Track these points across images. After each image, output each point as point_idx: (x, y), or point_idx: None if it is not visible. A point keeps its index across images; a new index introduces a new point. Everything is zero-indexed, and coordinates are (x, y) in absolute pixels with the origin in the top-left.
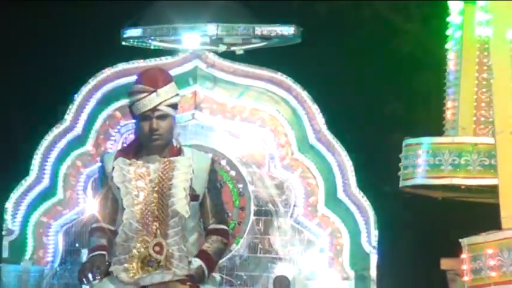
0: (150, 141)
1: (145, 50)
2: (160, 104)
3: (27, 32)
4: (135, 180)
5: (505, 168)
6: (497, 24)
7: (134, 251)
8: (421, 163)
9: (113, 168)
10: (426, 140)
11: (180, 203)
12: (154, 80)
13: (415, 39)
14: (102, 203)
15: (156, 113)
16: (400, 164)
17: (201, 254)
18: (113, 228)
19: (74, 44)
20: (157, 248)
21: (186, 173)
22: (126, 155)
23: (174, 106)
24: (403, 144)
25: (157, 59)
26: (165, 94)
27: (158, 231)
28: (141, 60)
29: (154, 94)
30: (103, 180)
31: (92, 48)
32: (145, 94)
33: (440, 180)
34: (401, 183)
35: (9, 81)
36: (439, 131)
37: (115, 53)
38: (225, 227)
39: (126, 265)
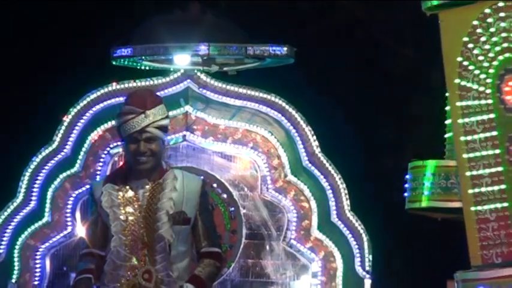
0: (137, 164)
1: (136, 71)
2: (148, 125)
3: (16, 52)
4: (124, 205)
5: None
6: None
7: (123, 279)
8: (430, 185)
9: (102, 193)
10: (433, 163)
11: (165, 227)
12: (142, 101)
13: (409, 61)
14: (92, 228)
15: (144, 135)
16: (406, 186)
17: (193, 279)
18: (102, 253)
19: (63, 64)
20: (146, 276)
21: (170, 190)
22: (114, 181)
23: (163, 128)
24: (409, 166)
25: (149, 79)
26: (153, 116)
27: (147, 258)
28: (132, 81)
29: (142, 115)
30: (92, 206)
31: (81, 68)
32: (133, 115)
33: (452, 204)
34: (408, 205)
35: None
36: (433, 153)
37: (105, 73)
38: (218, 250)
39: None
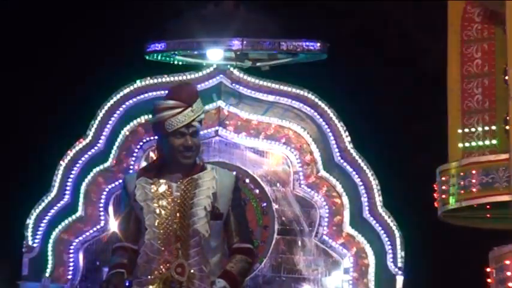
0: (183, 159)
1: (169, 65)
2: (194, 119)
3: (53, 48)
4: (158, 199)
5: None
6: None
7: (156, 272)
8: (457, 185)
9: (135, 187)
10: (459, 163)
11: (201, 222)
12: (187, 95)
13: (443, 57)
14: (125, 222)
15: (191, 129)
16: (437, 190)
17: (225, 274)
18: (135, 247)
19: (97, 58)
20: (179, 270)
21: (208, 188)
22: (148, 174)
23: (201, 122)
24: (437, 171)
25: (181, 74)
26: (197, 110)
27: (180, 251)
28: (165, 75)
29: (189, 109)
30: (125, 200)
31: (115, 63)
32: (179, 110)
33: (492, 198)
34: (440, 210)
35: (32, 97)
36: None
37: (138, 68)
38: (250, 246)
39: (147, 287)
